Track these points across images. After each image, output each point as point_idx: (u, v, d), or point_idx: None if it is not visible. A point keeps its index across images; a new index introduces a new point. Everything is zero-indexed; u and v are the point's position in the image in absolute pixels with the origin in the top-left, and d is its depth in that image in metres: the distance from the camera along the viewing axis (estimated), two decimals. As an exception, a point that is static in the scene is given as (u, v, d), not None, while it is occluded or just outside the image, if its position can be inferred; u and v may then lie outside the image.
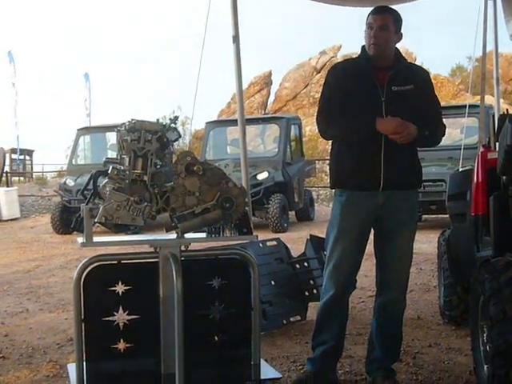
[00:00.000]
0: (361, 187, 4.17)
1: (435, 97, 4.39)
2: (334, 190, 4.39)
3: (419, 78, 4.29)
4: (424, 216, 15.76)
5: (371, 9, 4.25)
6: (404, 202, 4.23)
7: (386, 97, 4.11)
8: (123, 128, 3.65)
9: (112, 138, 17.00)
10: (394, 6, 4.35)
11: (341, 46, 37.77)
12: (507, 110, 5.31)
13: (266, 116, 26.46)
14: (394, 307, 4.39)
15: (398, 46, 4.29)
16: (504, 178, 4.30)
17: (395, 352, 4.50)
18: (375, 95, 4.11)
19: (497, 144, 4.64)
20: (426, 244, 11.45)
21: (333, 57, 36.74)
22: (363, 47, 4.25)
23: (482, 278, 3.73)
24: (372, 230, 4.36)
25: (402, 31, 4.26)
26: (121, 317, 3.71)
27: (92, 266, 3.68)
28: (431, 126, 4.22)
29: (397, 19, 4.21)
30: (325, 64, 35.67)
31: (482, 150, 5.14)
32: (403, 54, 4.37)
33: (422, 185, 4.41)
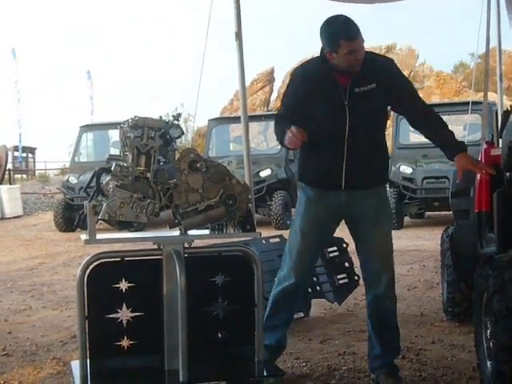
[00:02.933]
0: (324, 187, 4.24)
1: (407, 80, 4.39)
2: (300, 182, 4.42)
3: (382, 73, 4.16)
4: (427, 213, 15.80)
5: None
6: (369, 200, 4.25)
7: (348, 100, 4.09)
8: (126, 125, 3.64)
9: (114, 135, 17.04)
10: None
11: (344, 44, 37.70)
12: (511, 106, 5.29)
13: (268, 113, 26.46)
14: (385, 303, 4.41)
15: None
16: (507, 174, 4.30)
17: (394, 347, 4.49)
18: (338, 99, 4.10)
19: (500, 140, 4.64)
20: (429, 241, 11.48)
21: (336, 54, 36.68)
22: (323, 50, 4.15)
23: (485, 275, 3.73)
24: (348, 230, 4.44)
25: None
26: (124, 314, 3.71)
27: (95, 264, 3.68)
28: (421, 107, 4.29)
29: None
30: (327, 61, 35.65)
31: (485, 146, 5.14)
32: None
33: (387, 181, 4.49)
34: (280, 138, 4.20)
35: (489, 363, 3.81)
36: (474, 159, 4.23)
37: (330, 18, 4.09)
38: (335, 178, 4.16)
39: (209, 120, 17.58)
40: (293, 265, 4.33)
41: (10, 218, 19.51)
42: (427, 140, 4.41)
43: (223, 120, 18.98)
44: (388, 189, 15.37)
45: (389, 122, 4.82)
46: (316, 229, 4.30)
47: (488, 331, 3.84)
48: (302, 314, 6.02)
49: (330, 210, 4.26)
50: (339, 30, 4.02)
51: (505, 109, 6.79)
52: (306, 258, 4.36)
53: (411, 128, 4.80)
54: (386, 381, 4.29)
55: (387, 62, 4.32)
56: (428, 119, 4.28)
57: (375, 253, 4.30)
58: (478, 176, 4.88)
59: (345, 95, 4.08)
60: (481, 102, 10.75)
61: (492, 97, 14.44)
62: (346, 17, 4.07)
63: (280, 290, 4.37)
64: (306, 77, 4.24)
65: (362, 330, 5.64)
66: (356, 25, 4.02)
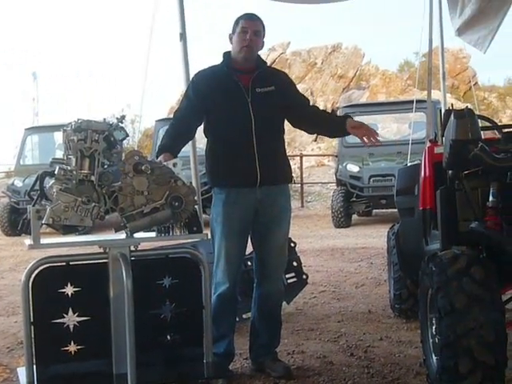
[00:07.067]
0: (239, 185, 4.36)
1: (300, 92, 4.73)
2: (214, 188, 4.53)
3: (279, 79, 4.57)
4: (374, 210, 15.95)
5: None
6: (279, 196, 4.48)
7: (251, 98, 4.35)
8: (69, 128, 3.61)
9: (60, 137, 16.83)
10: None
11: (289, 43, 37.88)
12: (452, 105, 5.38)
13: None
14: (278, 297, 4.66)
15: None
16: (450, 172, 4.35)
17: (279, 337, 4.74)
18: (241, 97, 4.35)
19: (443, 139, 4.70)
20: (376, 238, 11.57)
21: (282, 53, 36.80)
22: (225, 54, 4.49)
23: (429, 271, 3.77)
24: None
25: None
26: (71, 319, 3.69)
27: (40, 268, 3.64)
28: (314, 111, 4.66)
29: (264, 27, 4.49)
30: (274, 60, 35.75)
31: (428, 144, 5.21)
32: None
33: (292, 179, 4.70)
34: (158, 152, 4.24)
35: (434, 359, 3.86)
36: (360, 122, 4.63)
37: None
38: (250, 174, 4.32)
39: (156, 121, 17.51)
40: (225, 270, 4.40)
41: (-47, 223, 19.10)
42: None
43: (170, 120, 18.83)
44: (336, 187, 15.50)
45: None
46: (238, 230, 4.41)
47: (433, 327, 3.89)
48: (250, 314, 6.02)
49: (246, 209, 4.38)
50: (242, 14, 4.47)
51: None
52: (236, 260, 4.46)
53: None
54: (274, 365, 4.52)
55: (283, 73, 4.80)
56: (321, 120, 4.64)
57: (276, 251, 4.50)
58: (422, 174, 4.95)
59: (247, 93, 4.35)
60: (425, 101, 10.89)
61: (436, 95, 14.63)
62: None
63: (216, 297, 4.42)
64: (209, 78, 4.46)
65: (311, 329, 5.68)
66: (260, 18, 4.47)
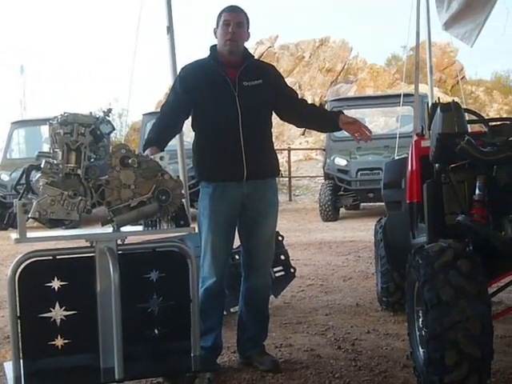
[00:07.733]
0: (226, 179, 4.37)
1: (288, 85, 4.72)
2: (201, 182, 4.53)
3: (267, 72, 4.56)
4: (362, 204, 16.00)
5: None
6: (266, 190, 4.49)
7: (238, 92, 4.34)
8: (55, 121, 3.59)
9: (47, 131, 16.77)
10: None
11: (277, 36, 37.88)
12: (439, 98, 5.39)
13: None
14: (265, 291, 4.69)
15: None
16: (436, 165, 4.37)
17: (266, 330, 4.76)
18: (228, 91, 4.35)
19: (430, 132, 4.72)
20: (364, 232, 11.61)
21: (270, 47, 36.79)
22: (212, 47, 4.48)
23: (416, 264, 3.79)
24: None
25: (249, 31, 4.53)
26: (58, 313, 3.67)
27: (27, 262, 3.62)
28: (303, 105, 4.66)
29: (248, 19, 4.49)
30: (262, 54, 35.73)
31: (415, 138, 5.22)
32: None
33: (279, 173, 4.72)
34: (145, 146, 4.23)
35: (421, 351, 3.88)
36: (352, 118, 4.60)
37: None
38: (237, 168, 4.32)
39: (143, 114, 17.50)
40: (212, 264, 4.41)
41: None
42: None
43: (157, 114, 18.81)
44: (323, 181, 15.53)
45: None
46: (225, 224, 4.42)
47: (420, 320, 3.91)
48: (237, 308, 6.02)
49: (233, 203, 4.40)
50: (225, 7, 4.46)
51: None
52: (223, 254, 4.47)
53: None
54: (262, 358, 4.55)
55: (272, 66, 4.78)
56: (311, 114, 4.65)
57: (263, 245, 4.52)
58: (409, 168, 4.97)
59: (234, 87, 4.34)
60: (412, 94, 10.91)
61: (424, 89, 14.66)
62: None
63: (204, 291, 4.43)
64: (196, 72, 4.45)
65: (299, 322, 5.70)
66: (243, 10, 4.46)
